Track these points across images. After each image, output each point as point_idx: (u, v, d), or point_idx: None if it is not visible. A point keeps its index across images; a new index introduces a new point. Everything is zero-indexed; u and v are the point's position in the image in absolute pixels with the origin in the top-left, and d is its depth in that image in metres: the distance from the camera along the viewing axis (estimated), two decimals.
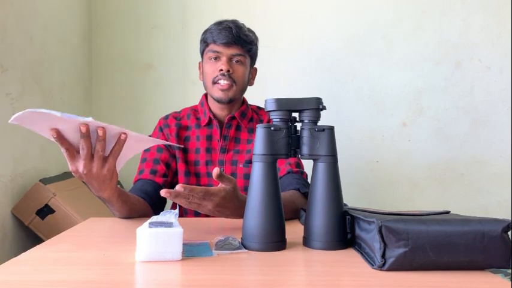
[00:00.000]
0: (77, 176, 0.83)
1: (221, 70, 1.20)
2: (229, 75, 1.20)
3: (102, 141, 0.80)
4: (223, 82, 1.20)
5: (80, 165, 0.81)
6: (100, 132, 0.79)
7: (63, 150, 0.80)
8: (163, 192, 0.78)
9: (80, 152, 0.80)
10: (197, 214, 1.23)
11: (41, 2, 1.73)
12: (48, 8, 1.78)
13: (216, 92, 1.22)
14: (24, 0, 1.60)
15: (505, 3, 2.08)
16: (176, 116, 1.30)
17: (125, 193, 1.00)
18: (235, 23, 1.22)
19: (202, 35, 1.26)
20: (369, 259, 0.69)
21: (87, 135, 0.78)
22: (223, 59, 1.20)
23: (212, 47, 1.22)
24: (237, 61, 1.22)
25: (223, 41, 1.19)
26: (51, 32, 1.80)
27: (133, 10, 2.17)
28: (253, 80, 1.34)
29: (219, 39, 1.19)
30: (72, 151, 0.80)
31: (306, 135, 0.80)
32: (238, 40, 1.20)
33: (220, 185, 0.87)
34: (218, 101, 1.23)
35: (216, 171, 0.82)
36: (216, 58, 1.22)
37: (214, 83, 1.22)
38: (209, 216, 1.21)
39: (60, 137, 0.78)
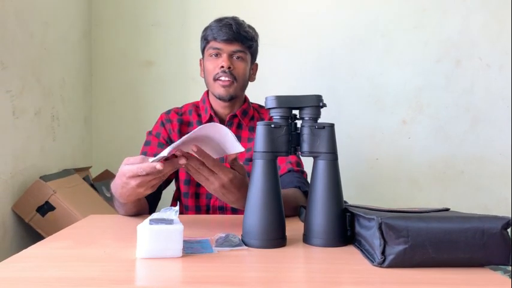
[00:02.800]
0: (126, 174, 0.83)
1: (222, 67, 1.20)
2: (230, 71, 1.20)
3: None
4: (224, 79, 1.20)
5: (146, 180, 0.82)
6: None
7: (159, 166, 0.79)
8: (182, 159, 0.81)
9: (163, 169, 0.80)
10: (197, 211, 1.24)
11: None
12: (49, 5, 1.78)
13: (217, 89, 1.22)
14: None
15: (505, 1, 2.08)
16: (178, 112, 1.30)
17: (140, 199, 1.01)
18: (235, 19, 1.23)
19: (203, 32, 1.26)
20: (368, 256, 0.69)
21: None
22: (224, 55, 1.20)
23: (213, 44, 1.22)
24: (238, 57, 1.22)
25: (224, 38, 1.19)
26: (51, 29, 1.80)
27: (133, 7, 2.17)
28: (255, 75, 1.34)
29: (219, 36, 1.20)
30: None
31: (306, 132, 0.80)
32: (238, 37, 1.20)
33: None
34: (219, 98, 1.23)
35: (232, 155, 0.86)
36: (216, 55, 1.22)
37: (215, 79, 1.22)
38: (209, 213, 1.22)
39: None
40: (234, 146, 0.82)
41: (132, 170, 0.81)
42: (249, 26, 1.26)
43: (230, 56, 1.21)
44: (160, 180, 0.84)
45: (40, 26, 1.72)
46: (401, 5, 2.14)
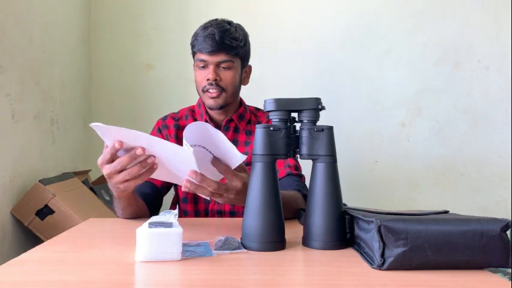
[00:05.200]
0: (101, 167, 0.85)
1: (208, 79, 1.19)
2: (216, 83, 1.19)
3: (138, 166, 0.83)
4: (212, 91, 1.19)
5: (107, 168, 0.83)
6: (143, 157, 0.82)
7: (108, 155, 0.82)
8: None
9: (115, 163, 0.82)
10: (196, 215, 1.23)
11: (41, 2, 1.73)
12: (48, 8, 1.78)
13: (207, 100, 1.22)
14: (24, 0, 1.60)
15: (503, 3, 2.09)
16: (174, 117, 1.30)
17: (134, 197, 1.01)
18: (220, 27, 1.18)
19: (191, 38, 1.24)
20: (368, 259, 0.69)
21: (134, 157, 0.81)
22: (211, 67, 1.18)
23: (199, 55, 1.20)
24: (225, 67, 1.20)
25: (208, 50, 1.17)
26: (50, 33, 1.80)
27: (132, 11, 2.17)
28: (248, 78, 1.31)
29: (204, 48, 1.17)
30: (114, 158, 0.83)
31: (305, 135, 0.80)
32: (223, 47, 1.17)
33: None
34: (210, 108, 1.23)
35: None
36: (203, 66, 1.20)
37: (204, 91, 1.21)
38: (208, 216, 1.22)
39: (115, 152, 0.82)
40: (233, 155, 0.82)
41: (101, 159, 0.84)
42: (236, 29, 1.22)
43: (217, 66, 1.19)
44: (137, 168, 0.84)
45: (39, 29, 1.72)
46: (400, 7, 2.14)
